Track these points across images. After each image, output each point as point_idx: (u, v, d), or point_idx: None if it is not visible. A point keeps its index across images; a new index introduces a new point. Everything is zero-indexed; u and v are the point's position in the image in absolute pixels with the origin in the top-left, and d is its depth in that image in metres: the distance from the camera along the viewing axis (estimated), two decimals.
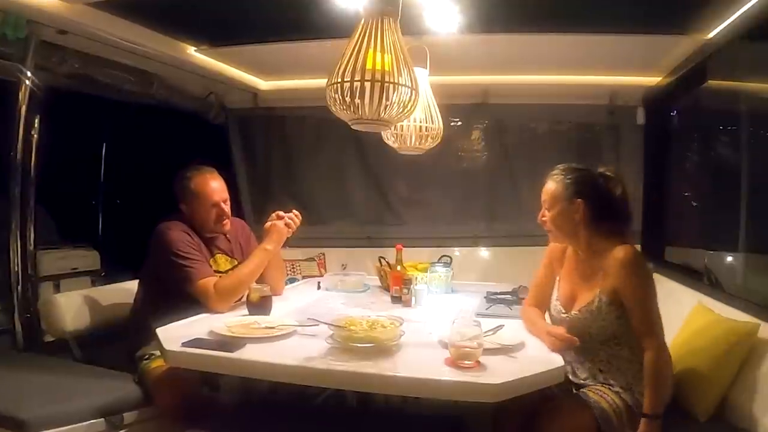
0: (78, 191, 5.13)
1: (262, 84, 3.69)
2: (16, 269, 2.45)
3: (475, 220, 3.89)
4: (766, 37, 2.16)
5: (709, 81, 2.73)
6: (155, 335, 1.71)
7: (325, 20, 2.12)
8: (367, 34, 1.55)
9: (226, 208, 2.27)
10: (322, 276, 3.31)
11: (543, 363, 1.56)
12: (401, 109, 1.58)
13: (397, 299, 2.33)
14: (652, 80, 3.26)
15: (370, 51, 1.53)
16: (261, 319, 1.88)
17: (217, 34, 2.84)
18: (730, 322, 1.91)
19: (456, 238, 3.87)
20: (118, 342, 2.25)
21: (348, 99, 1.53)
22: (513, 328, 1.87)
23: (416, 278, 2.46)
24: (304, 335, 1.76)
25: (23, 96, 2.42)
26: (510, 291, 2.48)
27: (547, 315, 1.93)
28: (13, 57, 2.38)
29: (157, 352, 1.89)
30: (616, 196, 1.77)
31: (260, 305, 2.01)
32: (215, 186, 2.24)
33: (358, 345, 1.59)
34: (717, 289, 2.54)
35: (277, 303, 2.13)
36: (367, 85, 1.51)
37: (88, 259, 4.05)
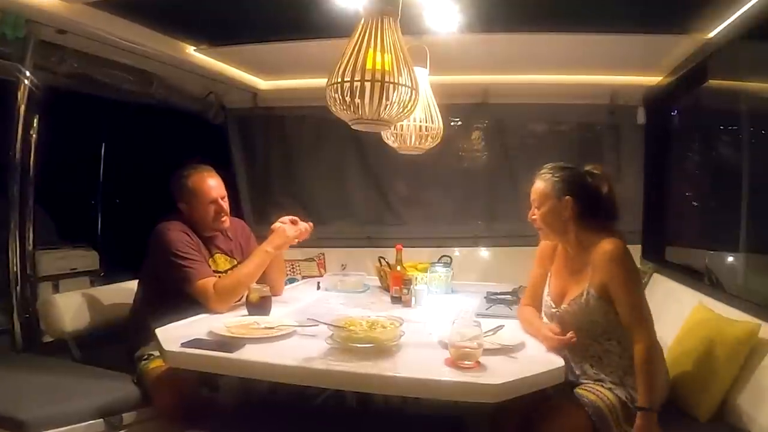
0: (77, 191, 5.13)
1: (262, 84, 3.68)
2: (15, 269, 2.44)
3: (475, 220, 3.90)
4: (766, 37, 2.16)
5: (710, 81, 2.73)
6: (154, 335, 1.70)
7: (325, 20, 2.12)
8: (367, 34, 1.54)
9: (225, 204, 2.26)
10: (321, 276, 3.31)
11: (543, 363, 1.56)
12: (401, 109, 1.58)
13: (396, 299, 2.33)
14: (653, 80, 3.26)
15: (370, 51, 1.53)
16: (260, 320, 1.88)
17: (217, 34, 2.84)
18: (730, 323, 1.90)
19: (456, 238, 3.86)
20: (117, 342, 2.25)
21: (348, 99, 1.53)
22: (513, 329, 1.87)
23: (416, 278, 2.46)
24: (304, 335, 1.75)
25: (22, 95, 2.42)
26: (510, 291, 2.48)
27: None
28: (12, 56, 2.37)
29: (157, 353, 1.88)
30: (603, 192, 1.80)
31: (260, 305, 2.01)
32: (213, 183, 2.24)
33: (358, 345, 1.59)
34: (718, 289, 2.54)
35: (276, 303, 2.13)
36: (367, 84, 1.51)
37: (87, 259, 4.05)
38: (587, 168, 1.84)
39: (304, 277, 3.62)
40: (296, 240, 2.25)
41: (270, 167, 4.07)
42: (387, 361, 1.55)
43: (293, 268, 3.73)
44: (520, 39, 2.74)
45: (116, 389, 1.94)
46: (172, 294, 2.04)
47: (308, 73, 3.39)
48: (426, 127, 2.24)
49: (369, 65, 1.52)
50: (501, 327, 1.77)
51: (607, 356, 1.73)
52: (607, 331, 1.72)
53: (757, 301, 2.04)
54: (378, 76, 1.51)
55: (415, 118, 2.19)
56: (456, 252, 3.67)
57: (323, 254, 3.87)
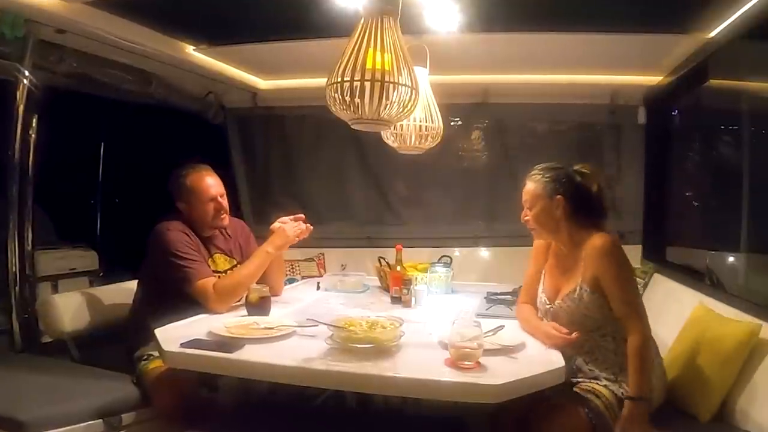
0: (76, 191, 5.12)
1: (262, 83, 3.68)
2: (14, 269, 2.44)
3: (475, 220, 3.89)
4: (767, 37, 2.16)
5: (711, 80, 2.72)
6: (154, 336, 1.70)
7: (325, 19, 2.11)
8: (366, 34, 1.54)
9: (224, 202, 2.26)
10: (321, 276, 3.30)
11: (543, 364, 1.56)
12: (401, 109, 1.58)
13: (396, 300, 2.33)
14: (654, 79, 3.25)
15: (370, 50, 1.52)
16: (260, 320, 1.87)
17: (216, 34, 2.83)
18: (731, 323, 1.90)
19: (456, 238, 3.86)
20: (116, 343, 2.24)
21: (348, 98, 1.52)
22: (513, 329, 1.86)
23: (416, 278, 2.45)
24: (304, 336, 1.75)
25: (21, 95, 2.41)
26: (510, 291, 2.48)
27: None
28: (11, 56, 2.37)
29: (156, 353, 1.88)
30: (593, 191, 1.82)
31: (259, 306, 2.00)
32: (211, 181, 2.24)
33: (358, 346, 1.58)
34: (718, 289, 2.54)
35: (276, 303, 2.13)
36: (367, 84, 1.51)
37: (87, 259, 4.04)
38: (576, 167, 1.86)
39: (303, 278, 3.61)
40: (297, 239, 2.25)
41: (270, 167, 4.07)
42: (387, 361, 1.55)
43: (293, 268, 3.73)
44: (520, 38, 2.74)
45: (115, 390, 1.93)
46: (172, 294, 2.03)
47: (308, 73, 3.38)
48: (426, 126, 2.24)
49: (369, 65, 1.52)
50: (501, 327, 1.76)
51: (601, 352, 1.74)
52: (601, 326, 1.73)
53: (758, 302, 2.04)
54: (378, 75, 1.51)
55: (415, 118, 2.19)
56: (456, 252, 3.67)
57: (323, 254, 3.87)
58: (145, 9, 2.42)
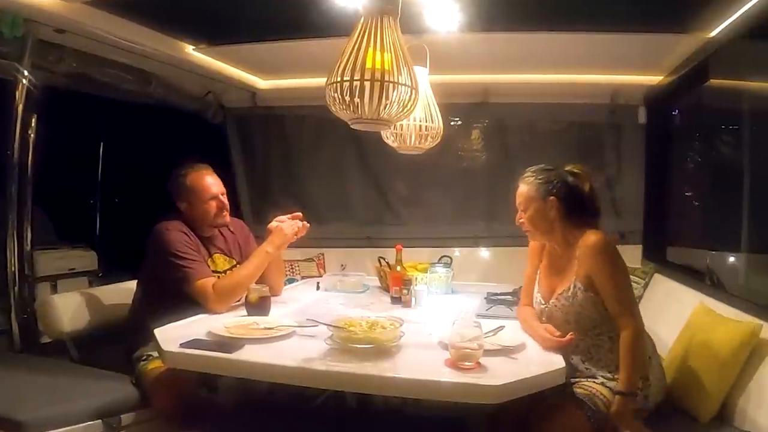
0: (75, 191, 5.12)
1: (261, 83, 3.67)
2: (13, 269, 2.44)
3: (475, 220, 3.88)
4: None
5: (711, 80, 2.72)
6: (153, 336, 1.69)
7: (325, 19, 2.11)
8: (366, 33, 1.53)
9: (225, 200, 2.26)
10: (321, 276, 3.30)
11: (544, 364, 1.56)
12: (401, 109, 1.57)
13: (396, 300, 2.32)
14: (654, 79, 3.25)
15: (370, 50, 1.52)
16: (260, 320, 1.87)
17: (216, 33, 2.83)
18: (732, 323, 1.90)
19: (456, 238, 3.86)
20: (115, 343, 2.24)
21: (347, 98, 1.52)
22: (513, 329, 1.86)
23: (416, 279, 2.45)
24: (303, 336, 1.74)
25: (20, 95, 2.41)
26: (510, 292, 2.47)
27: None
28: (10, 56, 2.36)
29: (155, 353, 1.87)
30: (585, 191, 1.83)
31: (259, 306, 2.00)
32: (211, 180, 2.24)
33: (358, 346, 1.58)
34: (719, 289, 2.53)
35: (275, 303, 2.12)
36: (367, 84, 1.50)
37: (86, 259, 4.03)
38: (568, 168, 1.87)
39: (303, 278, 3.61)
40: (295, 237, 2.24)
41: (269, 167, 4.06)
42: (387, 361, 1.54)
43: (292, 268, 3.73)
44: (520, 38, 2.74)
45: (115, 390, 1.93)
46: (171, 294, 2.03)
47: (307, 73, 3.38)
48: (426, 126, 2.23)
49: (369, 64, 1.51)
50: (501, 328, 1.76)
51: (597, 351, 1.74)
52: (597, 325, 1.74)
53: (759, 302, 2.04)
54: (378, 75, 1.50)
55: (414, 118, 2.19)
56: (456, 252, 3.66)
57: (323, 254, 3.86)
58: (144, 9, 2.41)
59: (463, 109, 3.72)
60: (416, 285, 2.34)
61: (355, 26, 1.56)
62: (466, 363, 1.46)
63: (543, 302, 1.86)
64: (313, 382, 1.54)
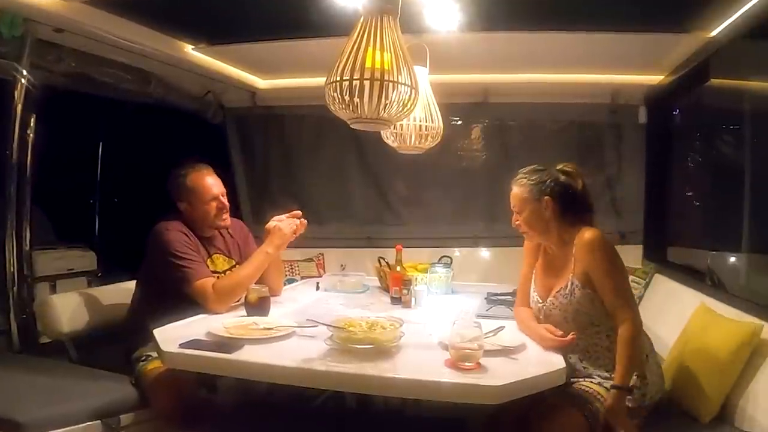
0: (74, 191, 5.11)
1: (261, 83, 3.67)
2: (11, 270, 2.43)
3: (475, 220, 3.88)
4: None
5: (712, 79, 2.72)
6: (152, 336, 1.69)
7: (324, 18, 2.11)
8: (366, 32, 1.53)
9: (225, 201, 2.26)
10: (320, 276, 3.29)
11: (544, 365, 1.55)
12: (401, 108, 1.57)
13: (396, 300, 2.32)
14: (655, 79, 3.24)
15: (370, 49, 1.51)
16: (259, 320, 1.86)
17: (215, 33, 2.82)
18: (733, 323, 1.90)
19: (456, 238, 3.85)
20: (115, 343, 2.23)
21: (347, 98, 1.51)
22: (514, 330, 1.86)
23: (416, 279, 2.44)
24: (303, 336, 1.74)
25: (19, 95, 2.41)
26: (510, 292, 2.46)
27: None
28: (9, 55, 2.36)
29: (155, 354, 1.87)
30: (578, 189, 1.84)
31: (258, 306, 2.00)
32: (212, 181, 2.23)
33: (358, 346, 1.57)
34: (720, 289, 2.53)
35: (275, 304, 2.12)
36: (367, 83, 1.50)
37: (85, 259, 4.02)
38: (559, 167, 1.87)
39: (303, 278, 3.61)
40: (294, 235, 2.23)
41: (269, 167, 4.06)
42: (387, 362, 1.54)
43: (292, 268, 3.72)
44: (520, 38, 2.73)
45: (114, 390, 1.92)
46: (171, 294, 2.02)
47: (307, 72, 3.37)
48: (426, 126, 2.23)
49: (368, 64, 1.51)
50: (501, 328, 1.76)
51: (595, 350, 1.74)
52: (594, 323, 1.74)
53: (759, 302, 2.03)
54: (377, 74, 1.50)
55: (414, 118, 2.18)
56: (456, 252, 3.66)
57: (322, 254, 3.86)
58: (143, 8, 2.41)
59: (463, 108, 3.72)
60: (416, 285, 2.34)
61: (355, 25, 1.56)
62: (466, 363, 1.45)
63: (540, 301, 1.86)
64: (313, 383, 1.54)
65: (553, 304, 1.80)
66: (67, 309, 2.34)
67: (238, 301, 2.10)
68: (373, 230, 3.94)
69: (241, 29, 2.75)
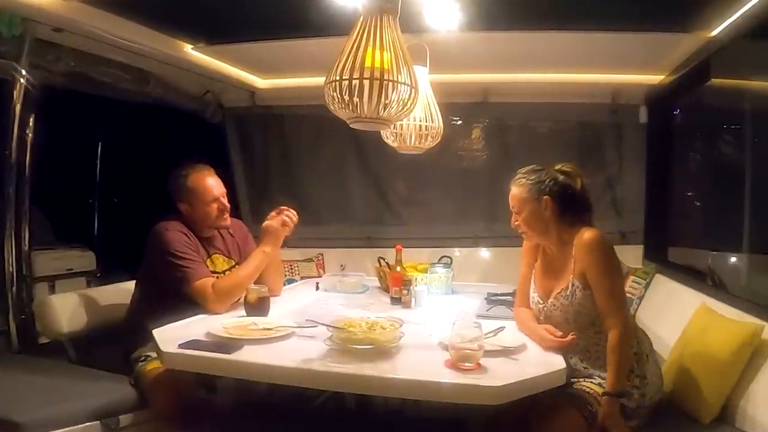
0: (73, 191, 5.11)
1: (260, 82, 3.66)
2: (10, 270, 2.42)
3: (475, 220, 3.87)
4: None
5: (713, 79, 2.71)
6: (152, 337, 1.69)
7: (324, 18, 2.10)
8: (366, 32, 1.52)
9: (226, 202, 2.25)
10: (320, 277, 3.29)
11: (544, 365, 1.55)
12: (401, 108, 1.56)
13: (396, 300, 2.31)
14: (655, 78, 3.24)
15: (369, 49, 1.51)
16: (259, 321, 1.86)
17: (214, 32, 2.82)
18: (733, 324, 1.89)
19: (456, 238, 3.85)
20: (114, 344, 2.23)
21: (347, 97, 1.51)
22: (514, 330, 1.86)
23: (416, 279, 2.44)
24: (303, 337, 1.74)
25: (18, 94, 2.40)
26: (511, 292, 2.46)
27: None
28: (7, 55, 2.35)
29: (154, 354, 1.87)
30: (577, 188, 1.83)
31: (258, 306, 1.99)
32: (213, 181, 2.23)
33: (357, 347, 1.57)
34: (721, 290, 2.53)
35: (275, 304, 2.11)
36: (366, 83, 1.49)
37: (84, 259, 4.03)
38: (558, 167, 1.87)
39: (302, 278, 3.60)
40: (286, 229, 2.22)
41: (268, 167, 4.05)
42: (386, 362, 1.54)
43: (292, 268, 3.71)
44: (520, 37, 2.73)
45: (113, 391, 1.92)
46: (170, 294, 2.02)
47: (307, 72, 3.37)
48: (426, 126, 2.23)
49: (368, 63, 1.50)
50: (502, 328, 1.75)
51: (595, 349, 1.74)
52: (595, 323, 1.73)
53: (760, 302, 2.03)
54: (377, 74, 1.50)
55: (414, 117, 2.18)
56: (456, 252, 3.66)
57: (322, 255, 3.85)
58: (142, 7, 2.41)
59: (463, 108, 3.71)
60: (416, 285, 2.33)
61: (355, 25, 1.55)
62: (466, 364, 1.45)
63: (541, 302, 1.86)
64: (313, 383, 1.54)
65: (554, 305, 1.79)
66: (66, 309, 2.33)
67: (237, 301, 2.09)
68: (373, 230, 3.93)
69: (240, 29, 2.75)
